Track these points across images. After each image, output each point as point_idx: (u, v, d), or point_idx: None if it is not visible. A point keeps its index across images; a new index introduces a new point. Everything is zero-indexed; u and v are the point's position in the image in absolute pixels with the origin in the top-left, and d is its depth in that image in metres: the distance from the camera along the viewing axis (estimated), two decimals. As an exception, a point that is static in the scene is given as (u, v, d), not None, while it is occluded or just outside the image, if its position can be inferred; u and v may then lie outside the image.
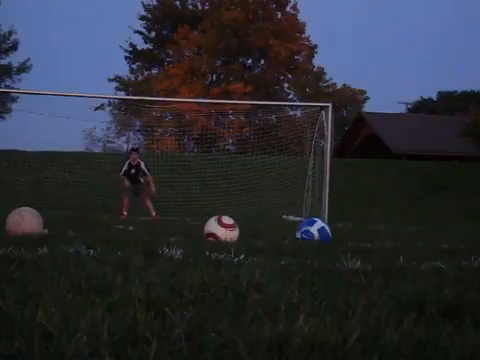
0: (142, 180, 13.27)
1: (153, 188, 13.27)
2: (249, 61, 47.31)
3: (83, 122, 23.79)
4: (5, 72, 38.12)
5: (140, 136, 36.92)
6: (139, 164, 13.24)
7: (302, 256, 3.50)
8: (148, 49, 47.69)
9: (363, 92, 54.85)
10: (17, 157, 19.63)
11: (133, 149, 14.37)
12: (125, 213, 12.62)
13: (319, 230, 5.89)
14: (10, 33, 38.61)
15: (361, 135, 41.29)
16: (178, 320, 1.48)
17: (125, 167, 13.26)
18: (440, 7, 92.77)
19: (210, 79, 46.13)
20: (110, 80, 47.21)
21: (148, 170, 13.40)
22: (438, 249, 5.06)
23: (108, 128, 42.19)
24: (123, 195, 13.23)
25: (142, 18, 46.84)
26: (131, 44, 46.85)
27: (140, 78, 48.03)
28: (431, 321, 1.64)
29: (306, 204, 16.37)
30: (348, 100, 52.73)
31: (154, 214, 12.67)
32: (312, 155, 16.70)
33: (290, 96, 47.01)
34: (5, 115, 36.69)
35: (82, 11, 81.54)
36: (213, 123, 31.93)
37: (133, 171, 13.17)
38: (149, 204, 13.05)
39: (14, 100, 33.88)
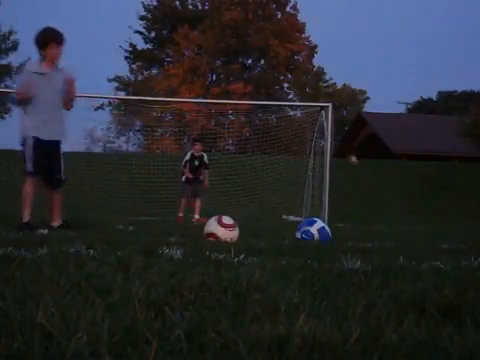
0: (202, 177, 12.49)
1: (206, 183, 12.69)
2: (249, 61, 47.37)
3: (83, 122, 23.80)
4: (5, 72, 38.13)
5: (140, 136, 37.01)
6: (203, 156, 12.51)
7: (302, 256, 3.50)
8: (148, 49, 47.75)
9: (363, 92, 54.96)
10: (17, 157, 19.63)
11: (196, 139, 13.43)
12: (181, 214, 12.06)
13: (319, 230, 5.89)
14: (10, 33, 38.64)
15: (361, 135, 41.32)
16: (178, 320, 1.48)
17: (187, 157, 12.49)
18: (440, 7, 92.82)
19: (210, 79, 46.18)
20: (110, 80, 47.32)
21: (208, 164, 12.73)
22: (438, 249, 5.06)
23: (108, 128, 42.24)
24: (182, 196, 12.49)
25: (142, 18, 46.90)
26: (131, 44, 46.95)
27: (140, 78, 48.08)
28: (431, 321, 1.64)
29: (306, 204, 16.36)
30: (348, 100, 52.78)
31: (197, 216, 12.00)
32: (312, 155, 16.70)
33: (290, 96, 47.08)
34: (5, 115, 36.69)
35: (82, 11, 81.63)
36: (213, 123, 31.95)
37: (197, 163, 12.45)
38: (198, 206, 12.36)
39: (14, 100, 33.91)
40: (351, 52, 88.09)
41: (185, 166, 12.56)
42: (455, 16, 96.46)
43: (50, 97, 6.18)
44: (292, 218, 15.00)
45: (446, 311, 1.77)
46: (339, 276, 2.59)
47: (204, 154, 12.69)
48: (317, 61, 48.36)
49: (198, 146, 12.65)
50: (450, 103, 49.12)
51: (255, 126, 23.25)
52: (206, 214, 7.38)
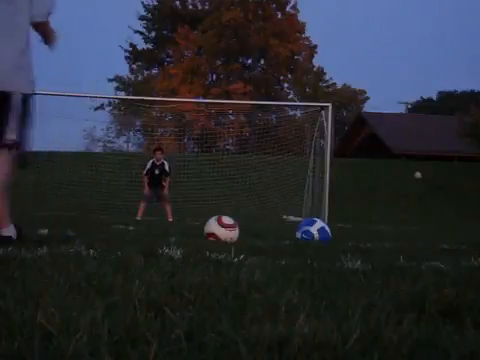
0: (165, 183, 12.73)
1: (167, 191, 12.84)
2: (249, 61, 47.37)
3: (83, 122, 23.80)
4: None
5: (140, 136, 36.96)
6: (163, 164, 12.79)
7: (302, 256, 3.50)
8: (148, 49, 47.75)
9: (363, 92, 54.89)
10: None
11: (157, 148, 13.65)
12: (139, 218, 12.17)
13: (319, 230, 5.89)
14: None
15: (361, 135, 41.36)
16: (178, 320, 1.48)
17: (149, 165, 12.84)
18: (440, 7, 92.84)
19: (210, 79, 46.18)
20: (110, 80, 47.34)
21: (170, 171, 12.93)
22: (438, 249, 5.07)
23: (108, 128, 42.19)
24: (141, 199, 12.78)
25: (142, 18, 46.91)
26: (131, 44, 46.96)
27: (140, 78, 48.09)
28: (431, 321, 1.64)
29: (306, 204, 16.38)
30: (348, 100, 52.73)
31: (171, 219, 12.22)
32: (312, 155, 16.72)
33: (290, 96, 47.08)
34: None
35: (82, 11, 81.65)
36: (213, 123, 31.94)
37: (157, 172, 12.73)
38: (169, 209, 12.65)
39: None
40: (351, 52, 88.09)
41: (147, 174, 12.85)
42: (455, 16, 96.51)
43: None
44: (292, 218, 15.00)
45: (446, 311, 1.77)
46: (339, 276, 2.59)
47: (165, 162, 12.90)
48: (317, 61, 48.45)
49: (159, 155, 12.87)
50: (450, 103, 49.14)
51: (255, 126, 23.25)
52: (206, 214, 7.38)
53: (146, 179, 12.92)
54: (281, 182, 18.03)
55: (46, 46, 4.17)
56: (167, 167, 12.89)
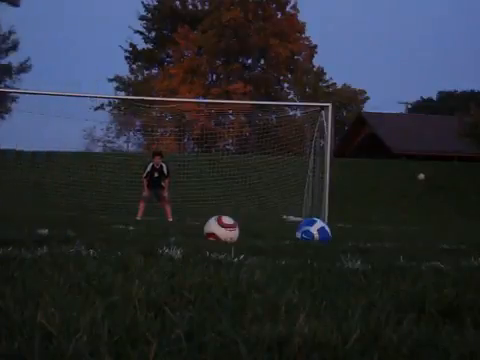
0: (164, 184, 13.20)
1: (166, 192, 13.24)
2: (249, 61, 47.34)
3: (83, 122, 23.82)
4: (5, 72, 38.14)
5: (140, 136, 36.95)
6: (162, 167, 13.23)
7: (302, 256, 3.50)
8: (148, 49, 47.72)
9: (363, 92, 54.85)
10: (17, 157, 19.65)
11: (156, 152, 14.08)
12: (139, 218, 12.50)
13: (319, 230, 5.89)
14: (10, 33, 38.65)
15: (361, 135, 41.34)
16: (178, 320, 1.48)
17: (148, 168, 13.31)
18: (440, 7, 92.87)
19: (210, 79, 46.15)
20: (110, 80, 47.32)
21: (168, 173, 13.32)
22: (438, 249, 5.07)
23: (108, 128, 42.16)
24: (141, 199, 13.20)
25: (142, 18, 46.89)
26: (131, 44, 46.94)
27: (140, 78, 48.07)
28: (431, 321, 1.64)
29: (306, 204, 16.38)
30: (348, 100, 52.69)
31: (171, 219, 12.60)
32: (312, 155, 16.72)
33: (290, 96, 47.03)
34: (5, 115, 36.72)
35: (82, 11, 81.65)
36: (213, 123, 31.93)
37: (156, 174, 13.17)
38: (168, 209, 13.09)
39: (14, 100, 33.91)
40: (351, 52, 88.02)
41: (146, 177, 13.32)
42: (455, 16, 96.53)
43: None
44: (292, 218, 15.00)
45: (446, 311, 1.77)
46: (339, 276, 2.59)
47: (163, 165, 13.35)
48: (317, 61, 48.38)
49: (158, 159, 13.30)
50: (450, 103, 49.11)
51: (255, 126, 23.24)
52: (206, 214, 7.38)
53: (146, 181, 13.33)
54: (281, 182, 18.03)
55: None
56: (165, 169, 13.33)
